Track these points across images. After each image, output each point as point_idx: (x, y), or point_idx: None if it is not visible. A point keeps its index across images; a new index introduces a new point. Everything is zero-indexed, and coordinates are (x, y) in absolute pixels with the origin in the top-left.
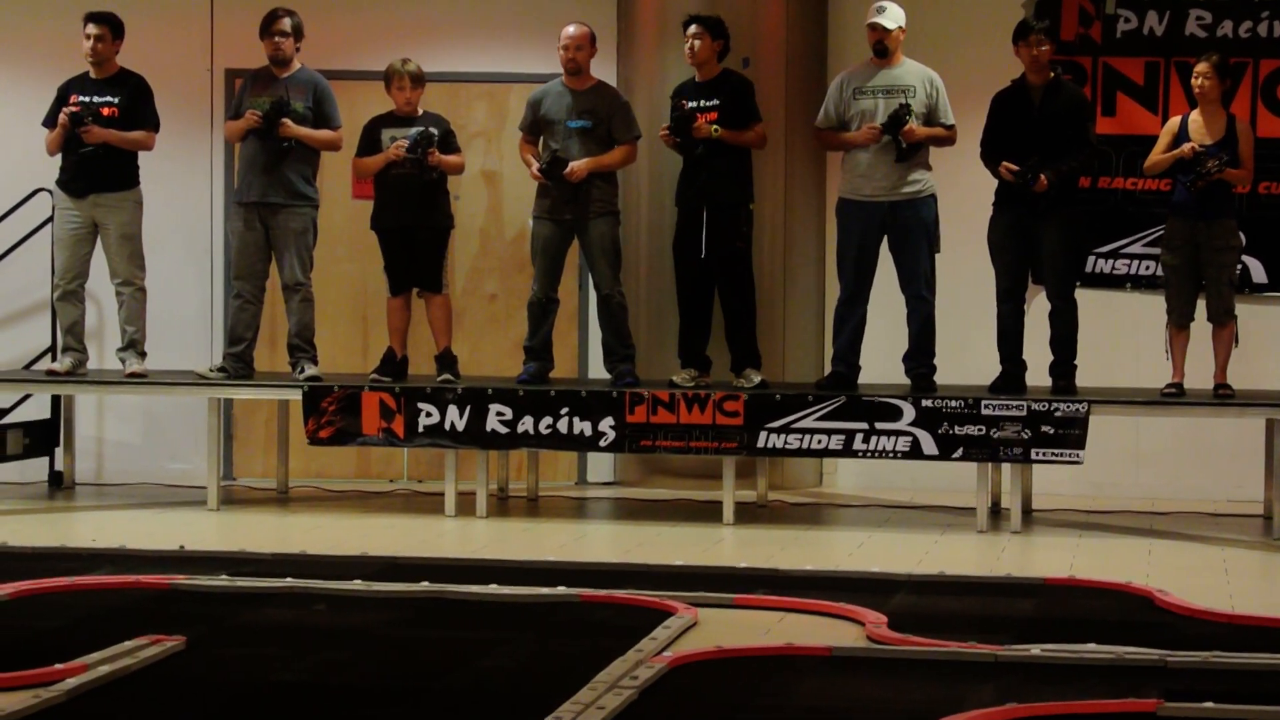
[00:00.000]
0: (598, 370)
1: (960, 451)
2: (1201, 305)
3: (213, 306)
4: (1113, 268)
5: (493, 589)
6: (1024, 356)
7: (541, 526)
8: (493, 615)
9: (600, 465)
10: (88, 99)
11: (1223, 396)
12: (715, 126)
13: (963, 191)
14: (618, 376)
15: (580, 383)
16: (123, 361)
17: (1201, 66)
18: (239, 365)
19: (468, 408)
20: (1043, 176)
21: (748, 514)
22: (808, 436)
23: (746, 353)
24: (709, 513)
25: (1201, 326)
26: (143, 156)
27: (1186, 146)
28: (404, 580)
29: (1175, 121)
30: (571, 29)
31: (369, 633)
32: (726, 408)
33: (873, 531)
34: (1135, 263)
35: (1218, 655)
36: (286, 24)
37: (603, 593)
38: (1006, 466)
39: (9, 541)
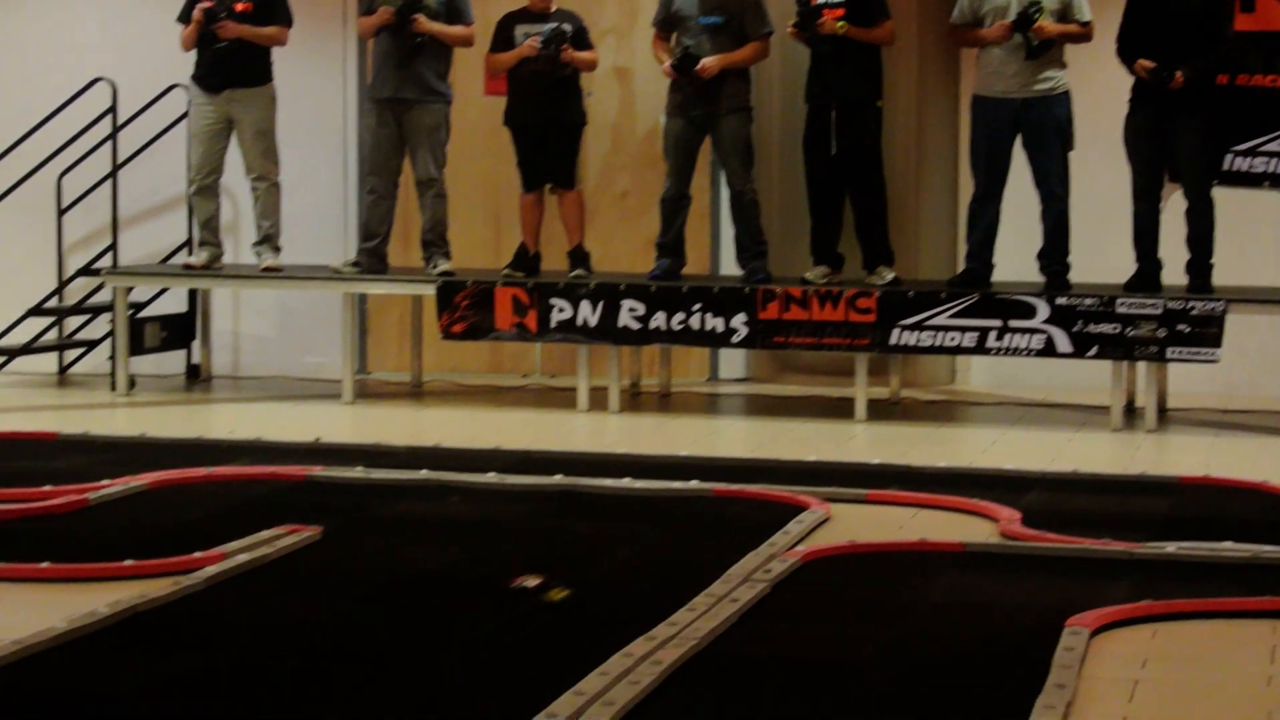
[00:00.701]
0: (730, 266)
1: (1095, 350)
2: None
3: (347, 202)
4: (1250, 165)
5: (626, 483)
6: (1160, 255)
7: (673, 422)
8: (625, 509)
9: (732, 361)
10: None
11: None
12: (842, 23)
13: (1098, 89)
14: (750, 273)
15: (712, 279)
16: (258, 256)
17: None
18: (373, 260)
19: (600, 303)
20: (1179, 74)
21: (880, 411)
22: (940, 334)
23: (879, 249)
24: (841, 409)
25: None
26: (276, 52)
27: None
28: (537, 474)
29: None
30: None
31: (503, 525)
32: (859, 305)
33: (1006, 429)
34: (1273, 160)
35: None
36: None
37: (735, 487)
38: (1141, 365)
39: (148, 432)
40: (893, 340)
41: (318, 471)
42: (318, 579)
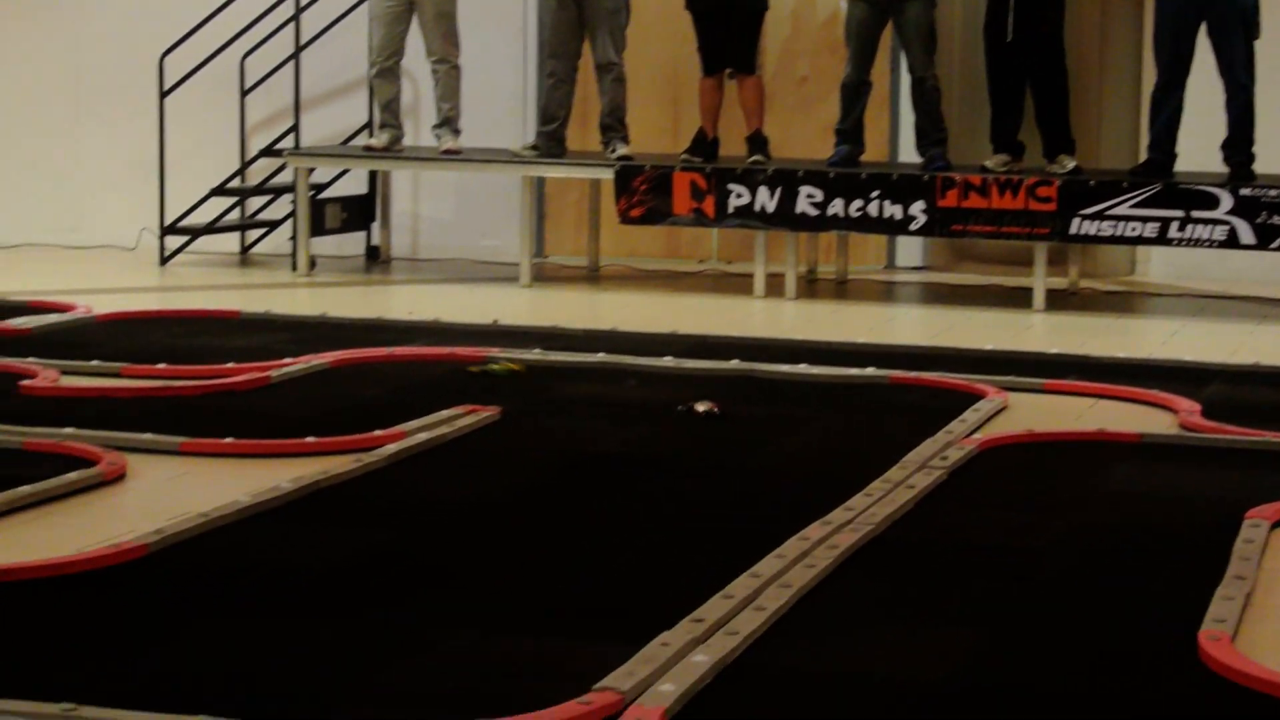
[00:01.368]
0: (909, 154)
1: (1278, 242)
2: None
3: (526, 85)
4: None
5: (802, 369)
6: None
7: (850, 309)
8: (801, 394)
9: (909, 249)
10: None
11: None
12: None
13: None
14: (929, 160)
15: (891, 166)
16: (438, 138)
17: None
18: (551, 144)
19: (778, 189)
20: None
21: (1058, 301)
22: (1121, 224)
23: (1059, 138)
24: (1018, 299)
25: None
26: None
27: None
28: (714, 358)
29: None
30: None
31: (679, 409)
32: (1039, 193)
33: (1186, 321)
34: None
35: None
36: None
37: (912, 375)
38: None
39: (328, 312)
40: (1072, 230)
41: (496, 353)
42: (496, 458)
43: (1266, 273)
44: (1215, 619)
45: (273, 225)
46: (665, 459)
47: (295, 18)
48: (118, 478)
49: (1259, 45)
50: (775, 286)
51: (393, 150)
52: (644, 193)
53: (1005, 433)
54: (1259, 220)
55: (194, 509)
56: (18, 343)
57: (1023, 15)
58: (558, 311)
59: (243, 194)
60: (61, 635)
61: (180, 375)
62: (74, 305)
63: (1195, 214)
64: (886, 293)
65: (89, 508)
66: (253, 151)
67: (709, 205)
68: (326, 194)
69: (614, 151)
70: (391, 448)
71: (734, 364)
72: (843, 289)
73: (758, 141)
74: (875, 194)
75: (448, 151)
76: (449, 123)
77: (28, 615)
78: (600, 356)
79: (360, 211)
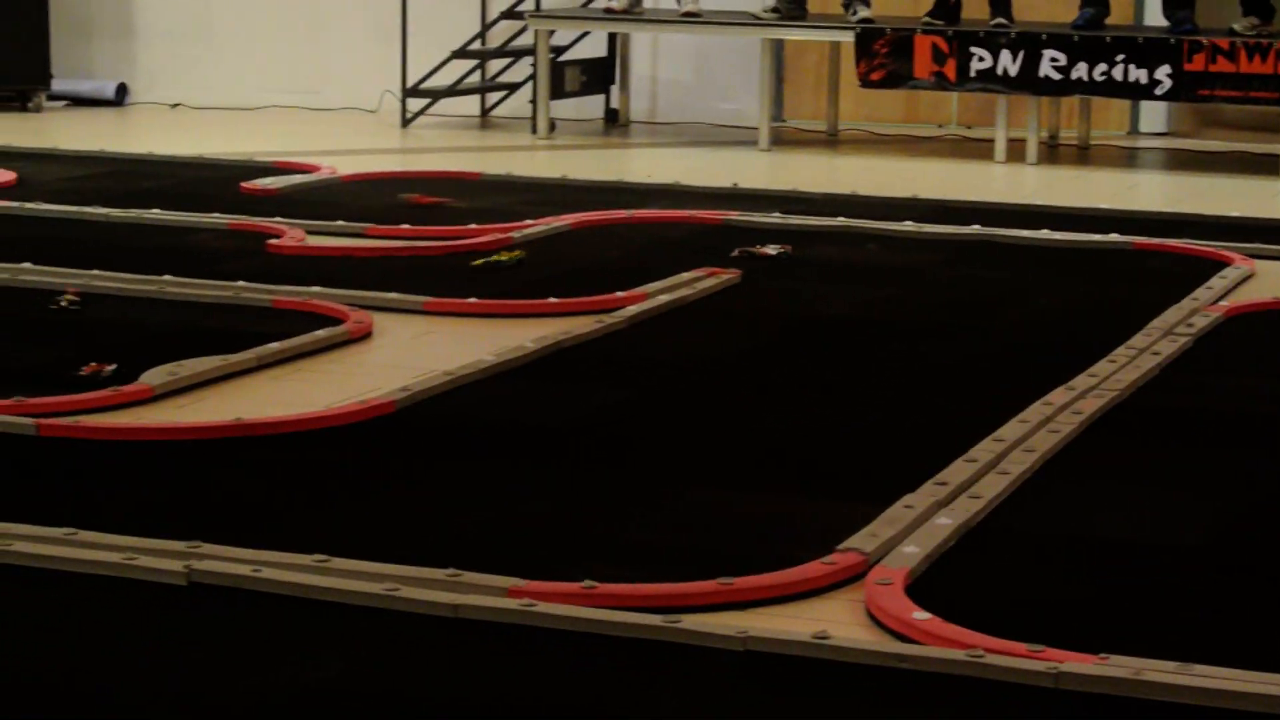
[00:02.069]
0: (1155, 17)
1: None
2: None
3: None
4: None
5: (1044, 234)
6: None
7: (1092, 174)
8: (1043, 260)
9: (1153, 115)
10: None
11: None
12: None
13: None
14: (1176, 23)
15: (1137, 29)
16: (678, 0)
17: None
18: (792, 6)
19: (1020, 52)
20: None
21: None
22: None
23: None
24: (1266, 165)
25: None
26: None
27: None
28: (954, 223)
29: None
30: None
31: (919, 272)
32: None
33: None
34: None
35: None
36: None
37: (1156, 241)
38: None
39: (568, 175)
40: None
41: (735, 216)
42: (736, 321)
43: None
44: None
45: (513, 88)
46: (905, 323)
47: None
48: (364, 336)
49: None
50: (1016, 152)
51: (633, 12)
52: (884, 56)
53: (1252, 300)
54: None
55: (439, 367)
56: (265, 203)
57: None
58: (796, 175)
59: (483, 56)
60: (312, 489)
61: (423, 236)
62: (318, 166)
63: None
64: (1129, 158)
65: (336, 365)
66: (494, 14)
67: (950, 69)
68: (566, 57)
69: (855, 14)
70: (633, 309)
71: (974, 229)
72: (1085, 154)
73: (1000, 4)
74: (1120, 58)
75: (688, 14)
76: None
77: (279, 470)
78: (840, 221)
79: (599, 74)
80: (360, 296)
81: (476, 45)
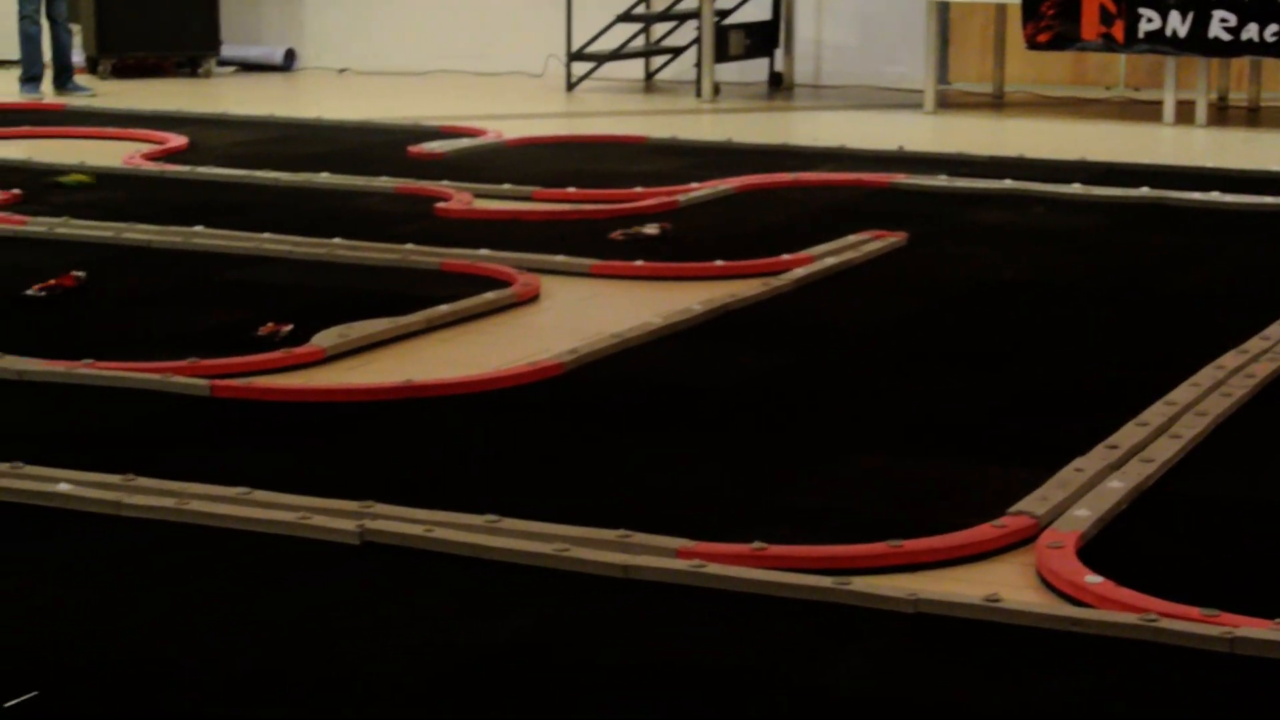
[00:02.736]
0: None
1: None
2: None
3: None
4: None
5: (1214, 197)
6: None
7: (1262, 137)
8: (1214, 223)
9: None
10: None
11: None
12: None
13: None
14: None
15: None
16: None
17: None
18: None
19: (1190, 13)
20: None
21: None
22: None
23: None
24: None
25: None
26: None
27: None
28: (1122, 185)
29: None
30: None
31: (1087, 235)
32: None
33: None
34: None
35: None
36: None
37: None
38: None
39: (733, 138)
40: None
41: (901, 179)
42: (902, 283)
43: None
44: None
45: (677, 52)
46: (1072, 286)
47: None
48: (531, 298)
49: None
50: (1185, 113)
51: None
52: (1052, 17)
53: None
54: None
55: (606, 329)
56: (432, 166)
57: None
58: (962, 138)
59: (648, 20)
60: (483, 450)
61: (589, 199)
62: (484, 130)
63: None
64: None
65: (504, 327)
66: None
67: (1118, 30)
68: (730, 20)
69: None
70: (798, 272)
71: (1143, 191)
72: (1255, 116)
73: None
74: None
75: None
76: None
77: (449, 430)
78: (1007, 183)
79: (764, 38)
80: (528, 259)
81: (641, 9)
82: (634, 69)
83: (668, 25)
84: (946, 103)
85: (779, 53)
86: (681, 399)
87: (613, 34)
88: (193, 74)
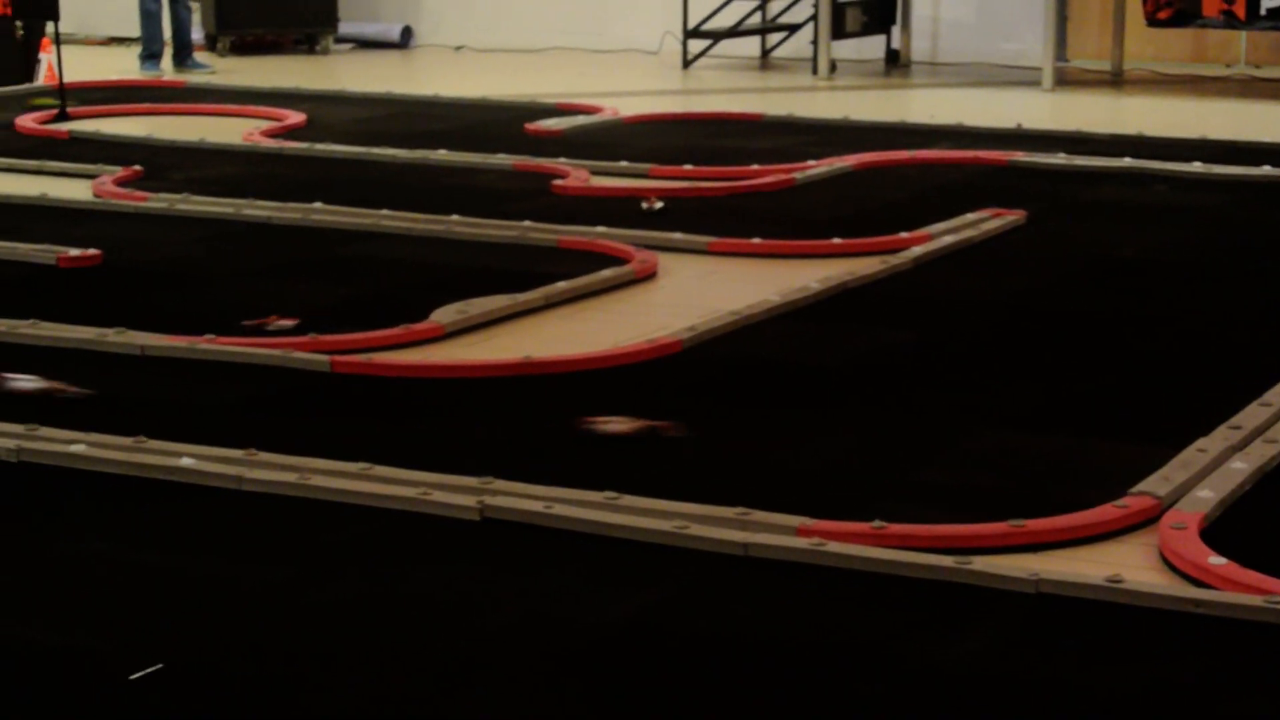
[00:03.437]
0: None
1: None
2: None
3: None
4: None
5: None
6: None
7: None
8: None
9: None
10: None
11: None
12: None
13: None
14: None
15: None
16: None
17: None
18: None
19: None
20: None
21: None
22: None
23: None
24: None
25: None
26: None
27: None
28: (1244, 164)
29: None
30: None
31: (1208, 213)
32: None
33: None
34: None
35: None
36: None
37: None
38: None
39: (849, 115)
40: None
41: (1020, 157)
42: (1021, 261)
43: None
44: None
45: (793, 29)
46: (1193, 264)
47: None
48: (649, 275)
49: None
50: None
51: None
52: None
53: None
54: None
55: (723, 307)
56: (549, 143)
57: None
58: (1081, 116)
59: None
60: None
61: (706, 176)
62: (601, 107)
63: None
64: None
65: (622, 304)
66: None
67: (1240, 7)
68: None
69: None
70: (917, 249)
71: (1265, 170)
72: None
73: None
74: None
75: None
76: None
77: (568, 407)
78: (1126, 161)
79: (880, 15)
80: (645, 236)
81: None
82: (750, 46)
83: (784, 2)
84: (1065, 80)
85: (896, 29)
86: (800, 376)
87: (729, 11)
88: (310, 51)
